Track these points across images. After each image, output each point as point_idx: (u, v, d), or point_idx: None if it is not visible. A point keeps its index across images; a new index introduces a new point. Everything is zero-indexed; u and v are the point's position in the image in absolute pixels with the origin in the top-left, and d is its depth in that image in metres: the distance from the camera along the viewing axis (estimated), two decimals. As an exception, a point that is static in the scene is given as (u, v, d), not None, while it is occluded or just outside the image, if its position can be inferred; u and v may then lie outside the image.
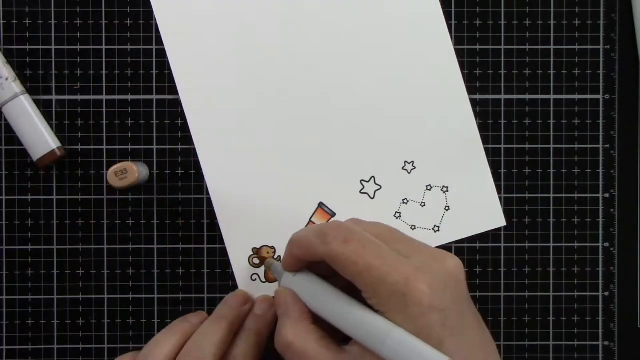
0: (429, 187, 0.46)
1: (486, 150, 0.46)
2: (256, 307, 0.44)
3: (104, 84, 0.46)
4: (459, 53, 0.46)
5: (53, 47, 0.46)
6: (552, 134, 0.47)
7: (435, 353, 0.31)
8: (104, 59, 0.46)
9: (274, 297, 0.45)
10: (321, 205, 0.46)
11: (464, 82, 0.46)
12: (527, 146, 0.47)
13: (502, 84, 0.46)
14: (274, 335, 0.39)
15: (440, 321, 0.33)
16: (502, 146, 0.46)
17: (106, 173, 0.44)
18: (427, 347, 0.31)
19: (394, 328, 0.33)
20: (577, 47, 0.47)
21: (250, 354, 0.41)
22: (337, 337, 0.36)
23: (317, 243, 0.36)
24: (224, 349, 0.41)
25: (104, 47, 0.46)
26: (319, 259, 0.36)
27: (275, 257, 0.46)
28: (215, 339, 0.41)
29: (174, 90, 0.46)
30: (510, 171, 0.46)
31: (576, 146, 0.47)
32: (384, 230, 0.38)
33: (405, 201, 0.46)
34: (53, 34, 0.46)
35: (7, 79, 0.44)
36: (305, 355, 0.35)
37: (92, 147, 0.46)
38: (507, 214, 0.46)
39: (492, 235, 0.46)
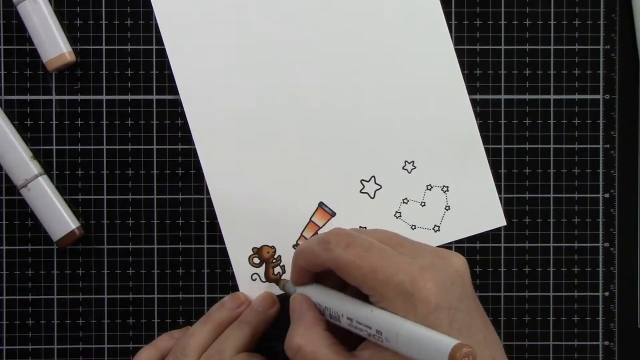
0: (429, 187, 0.46)
1: (486, 150, 0.46)
2: (258, 303, 0.44)
3: (104, 84, 0.46)
4: (459, 53, 0.46)
5: (53, 47, 0.46)
6: (552, 134, 0.47)
7: (446, 338, 0.31)
8: (104, 59, 0.46)
9: (277, 295, 0.45)
10: (321, 205, 0.46)
11: (464, 82, 0.46)
12: (527, 146, 0.47)
13: (502, 84, 0.46)
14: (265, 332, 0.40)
15: (447, 319, 0.33)
16: (502, 146, 0.46)
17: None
18: (439, 334, 0.31)
19: (404, 321, 0.33)
20: (577, 47, 0.47)
21: (240, 344, 0.42)
22: (349, 346, 0.36)
23: (320, 250, 0.36)
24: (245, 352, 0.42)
25: (104, 47, 0.46)
26: (324, 266, 0.36)
27: (276, 256, 0.46)
28: (238, 343, 0.42)
29: (174, 90, 0.46)
30: (510, 171, 0.46)
31: (576, 146, 0.47)
32: (386, 235, 0.38)
33: (406, 201, 0.46)
34: (53, 34, 0.46)
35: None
36: (315, 359, 0.35)
37: (92, 147, 0.46)
38: (507, 214, 0.46)
39: (492, 235, 0.46)
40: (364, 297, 0.36)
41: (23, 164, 0.44)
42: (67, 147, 0.46)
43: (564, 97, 0.47)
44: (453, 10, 0.46)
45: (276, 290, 0.46)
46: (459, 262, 0.36)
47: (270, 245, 0.46)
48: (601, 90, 0.47)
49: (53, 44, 0.44)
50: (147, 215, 0.46)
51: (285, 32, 0.46)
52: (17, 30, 0.46)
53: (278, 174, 0.46)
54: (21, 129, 0.46)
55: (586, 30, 0.47)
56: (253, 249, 0.46)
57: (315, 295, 0.39)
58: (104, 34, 0.46)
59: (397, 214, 0.46)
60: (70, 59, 0.45)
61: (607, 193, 0.47)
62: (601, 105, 0.47)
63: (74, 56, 0.45)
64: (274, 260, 0.46)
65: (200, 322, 0.43)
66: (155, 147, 0.46)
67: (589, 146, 0.47)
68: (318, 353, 0.35)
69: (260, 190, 0.46)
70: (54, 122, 0.46)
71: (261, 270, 0.46)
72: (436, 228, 0.46)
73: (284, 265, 0.45)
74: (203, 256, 0.46)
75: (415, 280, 0.33)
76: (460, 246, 0.46)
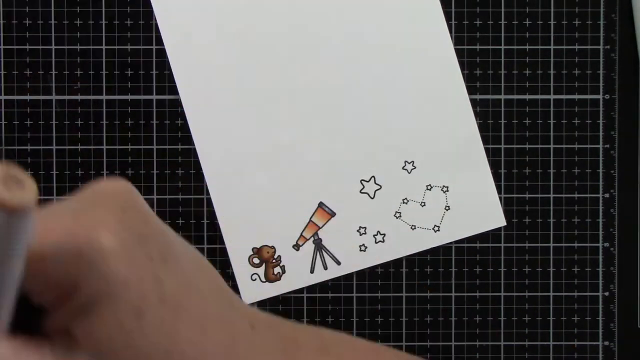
0: (429, 187, 0.46)
1: (486, 150, 0.46)
2: None
3: (104, 84, 0.46)
4: (459, 53, 0.46)
5: (53, 47, 0.46)
6: (552, 134, 0.47)
7: None
8: (104, 59, 0.46)
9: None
10: (321, 205, 0.46)
11: (464, 82, 0.46)
12: (527, 146, 0.47)
13: (502, 84, 0.46)
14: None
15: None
16: (502, 146, 0.46)
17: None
18: None
19: None
20: (577, 47, 0.47)
21: None
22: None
23: None
24: None
25: (104, 47, 0.46)
26: None
27: (275, 256, 0.46)
28: None
29: (174, 90, 0.46)
30: (510, 171, 0.46)
31: (576, 146, 0.47)
32: None
33: (406, 201, 0.46)
34: (53, 34, 0.46)
35: None
36: None
37: (92, 147, 0.46)
38: (507, 214, 0.46)
39: (492, 235, 0.46)
40: None
41: None
42: (67, 147, 0.46)
43: (564, 97, 0.47)
44: (453, 10, 0.46)
45: (276, 291, 0.46)
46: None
47: (270, 245, 0.46)
48: (601, 90, 0.47)
49: None
50: (147, 215, 0.46)
51: (285, 31, 0.46)
52: (17, 30, 0.46)
53: (278, 174, 0.46)
54: (21, 129, 0.46)
55: (586, 30, 0.47)
56: (253, 249, 0.46)
57: None
58: (104, 34, 0.46)
59: (397, 214, 0.46)
60: None
61: (607, 193, 0.47)
62: (601, 105, 0.47)
63: None
64: (274, 260, 0.46)
65: None
66: (155, 147, 0.46)
67: (589, 146, 0.47)
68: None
69: (260, 190, 0.46)
70: (54, 122, 0.46)
71: (261, 271, 0.46)
72: (436, 228, 0.46)
73: (284, 266, 0.45)
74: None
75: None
76: (461, 246, 0.46)
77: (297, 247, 0.46)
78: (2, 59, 0.46)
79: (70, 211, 0.22)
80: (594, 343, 0.46)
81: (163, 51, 0.46)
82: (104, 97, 0.46)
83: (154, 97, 0.46)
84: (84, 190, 0.23)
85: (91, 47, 0.46)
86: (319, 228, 0.46)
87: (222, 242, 0.46)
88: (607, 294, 0.47)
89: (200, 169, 0.46)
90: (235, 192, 0.46)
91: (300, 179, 0.46)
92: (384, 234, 0.46)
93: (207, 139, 0.46)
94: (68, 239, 0.21)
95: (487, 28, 0.46)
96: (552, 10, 0.47)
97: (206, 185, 0.46)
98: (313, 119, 0.46)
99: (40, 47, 0.46)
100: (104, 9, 0.46)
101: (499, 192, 0.46)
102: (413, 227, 0.46)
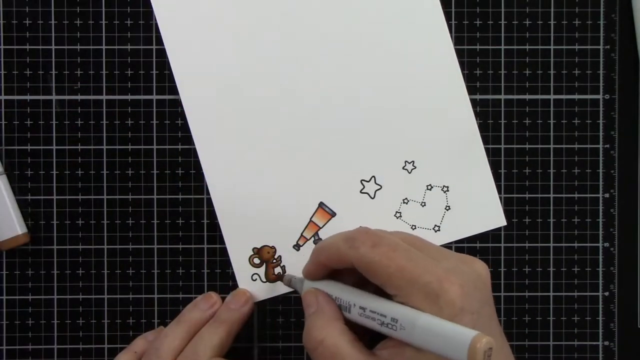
0: (429, 187, 0.46)
1: (486, 150, 0.46)
2: (231, 300, 0.44)
3: (104, 84, 0.46)
4: (459, 53, 0.46)
5: (53, 47, 0.46)
6: (552, 134, 0.47)
7: (466, 329, 0.31)
8: (104, 59, 0.46)
9: (248, 292, 0.45)
10: (321, 205, 0.46)
11: (464, 82, 0.46)
12: (527, 146, 0.47)
13: (502, 84, 0.46)
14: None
15: (470, 324, 0.33)
16: (502, 146, 0.46)
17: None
18: (457, 325, 0.31)
19: (421, 313, 0.32)
20: (577, 47, 0.47)
21: (215, 344, 0.41)
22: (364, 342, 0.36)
23: (345, 248, 0.35)
24: (221, 352, 0.41)
25: (104, 47, 0.46)
26: (348, 264, 0.36)
27: (276, 256, 0.46)
28: (213, 343, 0.41)
29: (174, 90, 0.46)
30: (510, 171, 0.46)
31: (576, 146, 0.47)
32: (410, 237, 0.38)
33: (406, 201, 0.46)
34: (53, 34, 0.46)
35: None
36: (336, 354, 0.34)
37: (92, 147, 0.46)
38: (507, 214, 0.46)
39: (492, 235, 0.46)
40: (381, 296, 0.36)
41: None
42: (67, 147, 0.46)
43: (564, 97, 0.47)
44: (453, 10, 0.46)
45: (276, 291, 0.46)
46: (482, 267, 0.36)
47: (271, 245, 0.46)
48: (601, 90, 0.47)
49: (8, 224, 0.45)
50: (147, 215, 0.46)
51: (285, 32, 0.46)
52: (17, 30, 0.46)
53: (278, 174, 0.46)
54: (21, 129, 0.46)
55: (586, 30, 0.47)
56: (253, 249, 0.46)
57: (328, 290, 0.38)
58: (104, 34, 0.46)
59: (398, 214, 0.46)
60: (24, 241, 0.45)
61: (607, 193, 0.47)
62: (601, 105, 0.47)
63: (28, 237, 0.45)
64: (275, 261, 0.46)
65: (174, 323, 0.43)
66: (155, 147, 0.46)
67: (589, 146, 0.47)
68: (340, 347, 0.35)
69: (260, 190, 0.46)
70: (54, 122, 0.46)
71: (261, 271, 0.46)
72: (436, 228, 0.46)
73: (284, 266, 0.45)
74: (203, 256, 0.46)
75: (442, 282, 0.33)
76: (460, 246, 0.46)
77: (297, 247, 0.46)
78: (2, 59, 0.46)
79: (443, 266, 0.34)
80: (594, 343, 0.47)
81: (163, 51, 0.46)
82: (104, 97, 0.46)
83: (154, 97, 0.46)
84: (461, 255, 0.37)
85: (91, 47, 0.46)
86: (320, 228, 0.46)
87: (222, 242, 0.46)
88: (607, 294, 0.47)
89: (200, 169, 0.46)
90: (235, 192, 0.46)
91: (300, 179, 0.46)
92: (384, 234, 0.45)
93: (207, 139, 0.46)
94: (431, 278, 0.33)
95: (487, 28, 0.46)
96: (552, 10, 0.47)
97: (206, 185, 0.46)
98: (313, 118, 0.46)
99: (40, 47, 0.46)
100: (104, 9, 0.46)
101: (499, 192, 0.46)
102: (413, 227, 0.46)
